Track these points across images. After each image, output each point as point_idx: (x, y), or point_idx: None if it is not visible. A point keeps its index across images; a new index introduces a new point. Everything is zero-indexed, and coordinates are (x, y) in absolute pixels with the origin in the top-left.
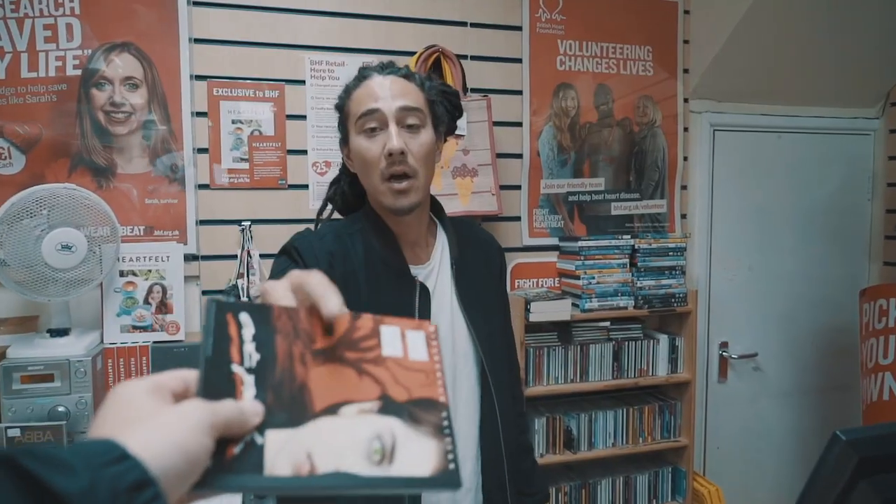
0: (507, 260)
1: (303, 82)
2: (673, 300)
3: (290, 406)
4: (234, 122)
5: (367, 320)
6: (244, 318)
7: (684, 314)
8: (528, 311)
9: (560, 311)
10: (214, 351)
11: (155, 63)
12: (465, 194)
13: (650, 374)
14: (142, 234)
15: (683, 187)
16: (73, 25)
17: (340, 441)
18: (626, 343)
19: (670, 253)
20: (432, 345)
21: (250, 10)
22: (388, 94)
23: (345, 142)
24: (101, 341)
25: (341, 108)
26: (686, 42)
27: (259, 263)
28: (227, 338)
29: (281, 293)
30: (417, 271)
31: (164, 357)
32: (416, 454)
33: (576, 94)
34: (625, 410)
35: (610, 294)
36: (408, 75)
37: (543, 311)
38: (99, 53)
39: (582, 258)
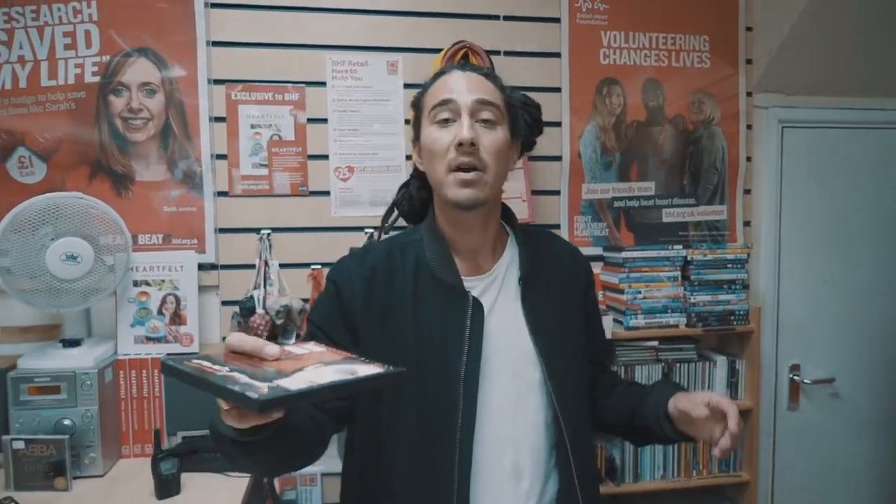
0: None
1: (324, 84)
2: (732, 318)
3: (272, 375)
4: (252, 126)
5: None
6: (196, 360)
7: (745, 334)
8: None
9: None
10: (195, 372)
11: (172, 68)
12: None
13: None
14: (160, 242)
15: (747, 191)
16: (92, 32)
17: (319, 376)
18: (678, 365)
19: (729, 265)
20: (322, 343)
21: (269, 10)
22: (464, 87)
23: (417, 139)
24: (115, 352)
25: (417, 104)
26: (749, 29)
27: (278, 273)
28: (194, 368)
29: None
30: (473, 284)
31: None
32: (368, 370)
33: (622, 90)
34: None
35: (658, 310)
36: (489, 75)
37: None
38: (117, 59)
39: (626, 270)
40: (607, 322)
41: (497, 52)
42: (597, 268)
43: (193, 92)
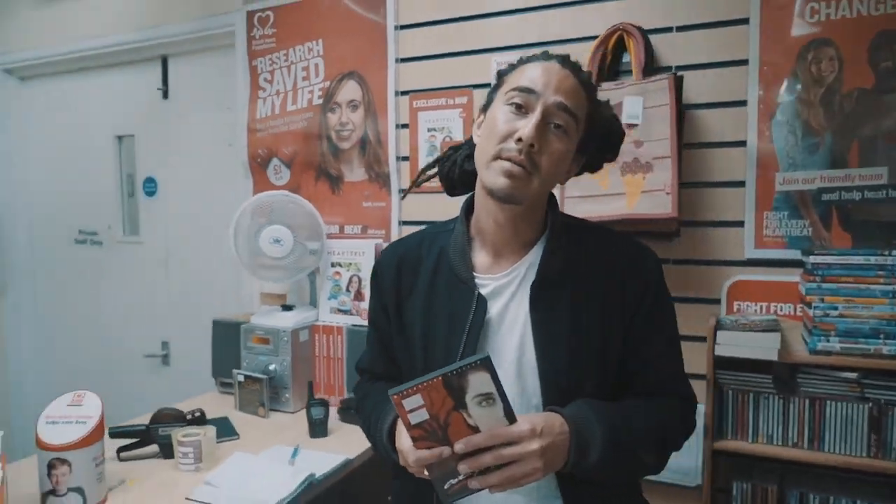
0: None
1: (488, 85)
2: None
3: None
4: (429, 130)
5: None
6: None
7: None
8: (715, 340)
9: (761, 346)
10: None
11: (369, 85)
12: (634, 193)
13: None
14: (359, 232)
15: None
16: (319, 64)
17: None
18: (894, 409)
19: None
20: None
21: (443, 23)
22: (553, 83)
23: (485, 109)
24: (317, 319)
25: (503, 75)
26: None
27: None
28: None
29: None
30: (486, 281)
31: (355, 339)
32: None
33: (836, 52)
34: None
35: (864, 333)
36: (586, 83)
37: (735, 344)
38: (334, 83)
39: (817, 279)
40: (771, 339)
41: (668, 29)
42: (794, 275)
43: (384, 104)
